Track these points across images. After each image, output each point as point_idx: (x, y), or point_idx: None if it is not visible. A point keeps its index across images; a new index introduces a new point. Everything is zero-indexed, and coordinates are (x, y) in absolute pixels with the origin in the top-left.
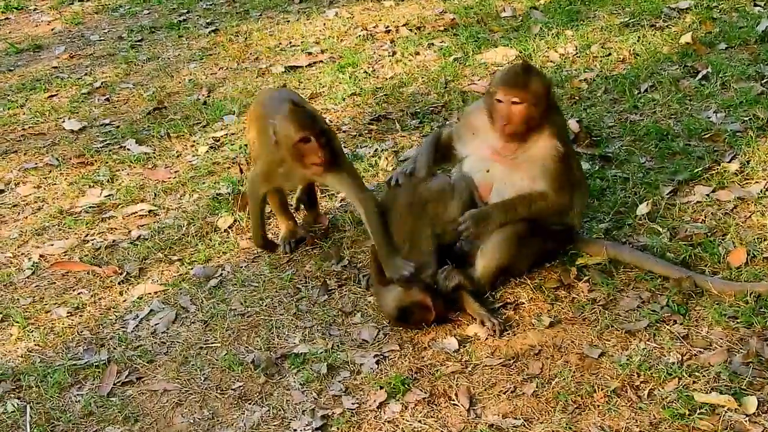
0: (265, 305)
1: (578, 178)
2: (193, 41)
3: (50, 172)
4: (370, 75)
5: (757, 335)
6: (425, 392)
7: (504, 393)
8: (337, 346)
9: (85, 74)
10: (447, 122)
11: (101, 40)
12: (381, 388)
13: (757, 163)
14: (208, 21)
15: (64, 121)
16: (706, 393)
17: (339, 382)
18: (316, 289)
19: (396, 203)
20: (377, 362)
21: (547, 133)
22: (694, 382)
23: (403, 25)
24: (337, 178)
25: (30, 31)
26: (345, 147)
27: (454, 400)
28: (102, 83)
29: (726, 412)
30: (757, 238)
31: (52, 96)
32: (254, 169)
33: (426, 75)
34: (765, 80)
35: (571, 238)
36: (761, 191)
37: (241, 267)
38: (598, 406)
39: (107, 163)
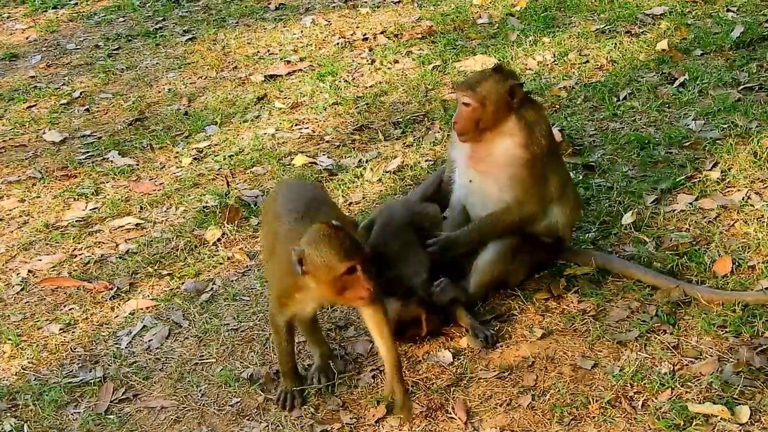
0: (258, 319)
1: (560, 188)
2: (170, 49)
3: (34, 185)
4: (350, 83)
5: (746, 344)
6: (422, 406)
7: (500, 405)
8: (333, 360)
9: (63, 84)
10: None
11: (78, 48)
12: (378, 402)
13: (738, 171)
14: (184, 29)
15: (44, 133)
16: (700, 403)
17: (336, 396)
18: None
19: (390, 219)
20: (373, 376)
21: (510, 137)
22: (686, 392)
23: (381, 32)
24: (371, 311)
25: (4, 40)
26: (330, 157)
27: (450, 414)
28: (81, 93)
29: (720, 421)
30: (742, 247)
31: (31, 107)
32: (270, 296)
33: (406, 83)
34: (741, 87)
35: (561, 249)
36: (743, 199)
37: (232, 281)
38: (594, 417)
39: (91, 175)
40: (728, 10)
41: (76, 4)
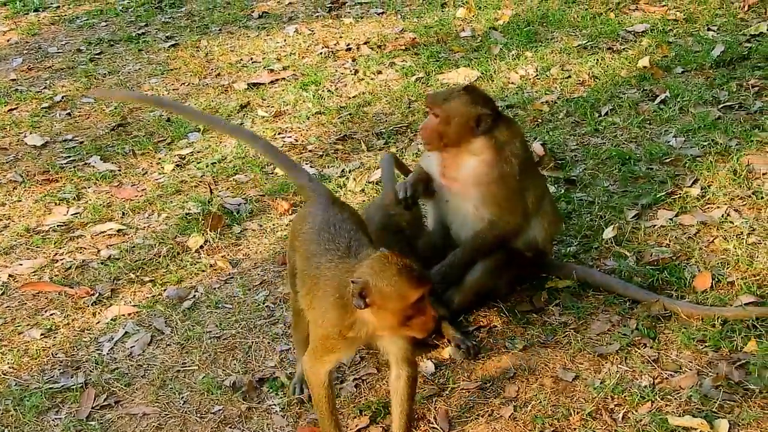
0: (241, 328)
1: (536, 202)
2: (152, 55)
3: (15, 188)
4: (333, 93)
5: (725, 359)
6: None
7: (482, 416)
8: None
9: (45, 87)
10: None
11: (59, 52)
12: (361, 412)
13: (718, 188)
14: (167, 35)
15: (25, 136)
16: (679, 416)
17: None
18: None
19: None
20: (356, 386)
21: (476, 155)
22: (666, 405)
23: (364, 43)
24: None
25: None
26: (312, 167)
27: (433, 424)
28: (63, 97)
29: None
30: (721, 263)
31: (12, 109)
32: (311, 347)
33: (389, 94)
34: (721, 105)
35: (543, 262)
36: (722, 216)
37: (214, 288)
38: (575, 429)
39: (72, 180)
40: (709, 29)
41: (58, 7)
